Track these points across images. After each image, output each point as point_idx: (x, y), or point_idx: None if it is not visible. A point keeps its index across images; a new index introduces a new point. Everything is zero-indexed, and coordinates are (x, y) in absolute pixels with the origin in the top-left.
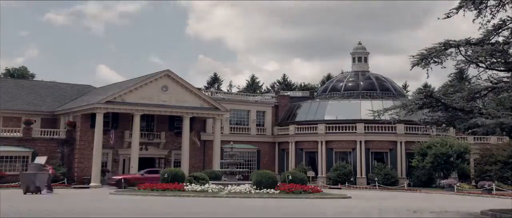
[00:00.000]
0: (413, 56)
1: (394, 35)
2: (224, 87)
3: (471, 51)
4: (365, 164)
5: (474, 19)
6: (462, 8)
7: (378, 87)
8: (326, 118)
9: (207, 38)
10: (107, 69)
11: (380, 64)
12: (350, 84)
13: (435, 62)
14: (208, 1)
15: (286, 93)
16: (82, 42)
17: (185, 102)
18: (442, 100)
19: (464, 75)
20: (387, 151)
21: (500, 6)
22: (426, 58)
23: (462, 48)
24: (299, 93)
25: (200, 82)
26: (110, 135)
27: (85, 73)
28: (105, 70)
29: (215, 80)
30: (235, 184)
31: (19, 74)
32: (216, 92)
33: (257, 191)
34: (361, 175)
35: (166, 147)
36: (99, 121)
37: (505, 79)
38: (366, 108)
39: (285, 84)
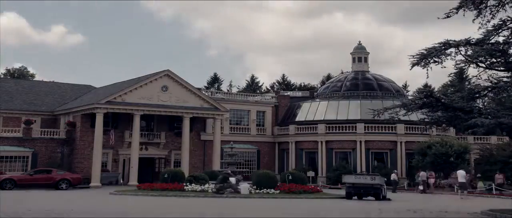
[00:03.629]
0: (413, 56)
1: None
2: (224, 87)
3: (471, 51)
4: (365, 164)
5: (474, 19)
6: (462, 8)
7: (378, 87)
8: (326, 118)
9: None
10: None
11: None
12: (350, 84)
13: (435, 62)
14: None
15: (286, 93)
16: None
17: (185, 103)
18: (442, 100)
19: (464, 75)
20: (387, 151)
21: (500, 6)
22: (426, 58)
23: (462, 48)
24: (299, 93)
25: (200, 82)
26: (110, 135)
27: None
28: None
29: (215, 80)
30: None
31: (19, 74)
32: (216, 92)
33: (257, 191)
34: None
35: (166, 147)
36: (99, 121)
37: (505, 79)
38: (366, 108)
39: (284, 84)
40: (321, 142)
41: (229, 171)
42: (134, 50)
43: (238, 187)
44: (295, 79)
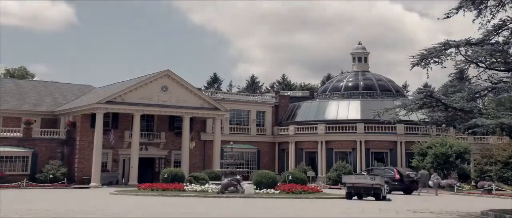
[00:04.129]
0: (413, 56)
1: None
2: (224, 87)
3: (471, 51)
4: (365, 164)
5: (474, 19)
6: (462, 8)
7: (378, 87)
8: (326, 118)
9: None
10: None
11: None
12: (350, 84)
13: (435, 62)
14: None
15: (286, 93)
16: None
17: (185, 102)
18: (442, 101)
19: (464, 75)
20: (387, 151)
21: (500, 6)
22: (426, 58)
23: (462, 48)
24: (299, 93)
25: (200, 82)
26: (110, 135)
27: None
28: None
29: (215, 80)
30: None
31: (19, 75)
32: (216, 92)
33: (257, 191)
34: None
35: (166, 147)
36: (99, 121)
37: (505, 79)
38: (366, 108)
39: (284, 84)
40: (321, 142)
41: (233, 171)
42: (114, 39)
43: (242, 186)
44: (295, 79)
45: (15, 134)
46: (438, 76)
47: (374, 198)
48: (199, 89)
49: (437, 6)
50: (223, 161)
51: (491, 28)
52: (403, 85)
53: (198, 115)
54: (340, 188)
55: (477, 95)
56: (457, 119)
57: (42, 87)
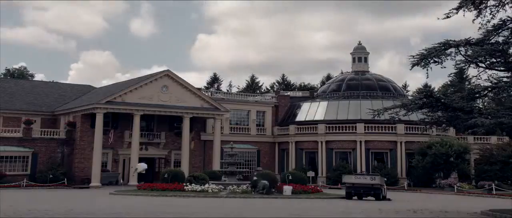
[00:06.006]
0: (413, 56)
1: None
2: (224, 87)
3: (471, 51)
4: (365, 164)
5: (474, 19)
6: (462, 8)
7: (378, 87)
8: (326, 118)
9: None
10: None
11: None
12: (350, 84)
13: (435, 62)
14: None
15: (286, 93)
16: None
17: (185, 103)
18: (442, 100)
19: (464, 75)
20: (387, 151)
21: (500, 6)
22: (426, 58)
23: (462, 48)
24: (299, 93)
25: (199, 82)
26: (109, 135)
27: None
28: None
29: (215, 80)
30: (235, 184)
31: (19, 74)
32: (216, 93)
33: None
34: None
35: (166, 147)
36: (99, 121)
37: (505, 79)
38: (366, 108)
39: (284, 84)
40: (321, 142)
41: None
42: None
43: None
44: (294, 79)
45: (15, 134)
46: (440, 77)
47: (374, 198)
48: (199, 89)
49: None
50: (223, 161)
51: (491, 28)
52: (403, 86)
53: (198, 115)
54: (340, 188)
55: (477, 95)
56: (457, 119)
57: (42, 87)
